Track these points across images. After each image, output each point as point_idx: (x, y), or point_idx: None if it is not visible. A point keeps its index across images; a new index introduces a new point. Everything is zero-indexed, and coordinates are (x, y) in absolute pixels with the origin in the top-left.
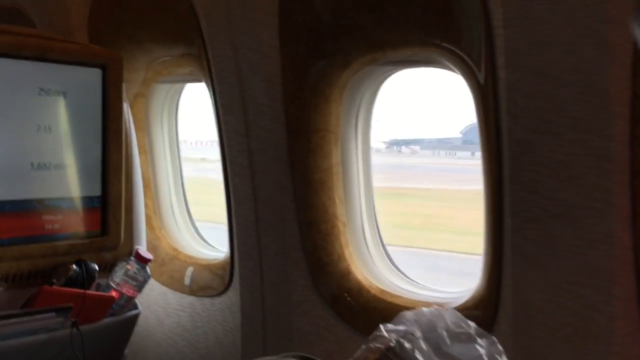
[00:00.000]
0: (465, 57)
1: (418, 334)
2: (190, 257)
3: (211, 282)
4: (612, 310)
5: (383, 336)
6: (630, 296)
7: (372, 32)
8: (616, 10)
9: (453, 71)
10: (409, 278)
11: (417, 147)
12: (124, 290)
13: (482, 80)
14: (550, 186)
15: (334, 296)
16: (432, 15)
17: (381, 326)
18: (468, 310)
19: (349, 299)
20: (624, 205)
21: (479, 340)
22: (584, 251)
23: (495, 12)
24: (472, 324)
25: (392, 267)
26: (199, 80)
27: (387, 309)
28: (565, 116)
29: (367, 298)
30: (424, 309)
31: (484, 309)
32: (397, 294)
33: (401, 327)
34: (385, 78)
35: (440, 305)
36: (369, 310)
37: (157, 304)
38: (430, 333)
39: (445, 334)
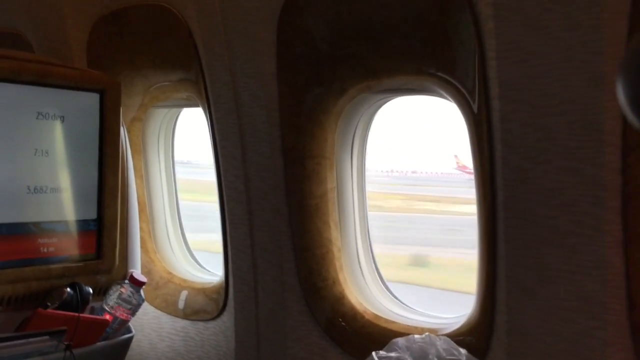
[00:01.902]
0: (460, 87)
1: None
2: (184, 280)
3: (205, 306)
4: (605, 336)
5: None
6: (622, 322)
7: (368, 61)
8: (608, 43)
9: (447, 100)
10: (403, 303)
11: None
12: (117, 314)
13: (476, 110)
14: (544, 213)
15: (328, 321)
16: (427, 45)
17: (373, 353)
18: (462, 336)
19: (343, 324)
20: (615, 232)
21: None
22: (576, 278)
23: (489, 44)
24: (463, 351)
25: (387, 292)
26: (196, 105)
27: (381, 334)
28: (558, 145)
29: (362, 323)
30: (416, 336)
31: (477, 336)
32: (392, 319)
33: (393, 354)
34: (380, 105)
35: (433, 331)
36: (363, 336)
37: (151, 328)
38: None
39: None
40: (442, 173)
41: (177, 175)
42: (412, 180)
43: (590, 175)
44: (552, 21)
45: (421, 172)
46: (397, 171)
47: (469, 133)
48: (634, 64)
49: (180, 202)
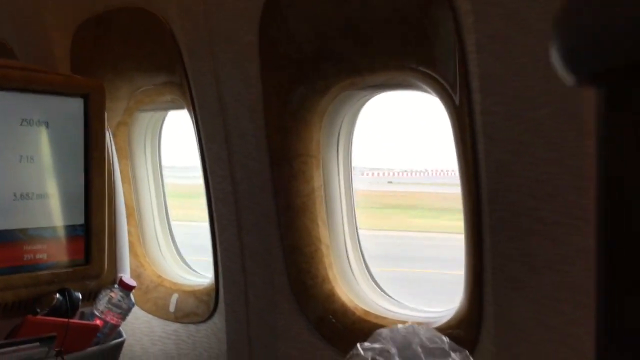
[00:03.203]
0: (441, 80)
1: (393, 350)
2: (175, 283)
3: (196, 308)
4: (592, 325)
5: (359, 355)
6: None
7: (351, 58)
8: None
9: (430, 94)
10: (392, 298)
11: None
12: (108, 319)
13: (457, 103)
14: (528, 205)
15: (319, 319)
16: (409, 40)
17: (358, 345)
18: (451, 329)
19: (334, 321)
20: None
21: (452, 354)
22: (563, 268)
23: (469, 38)
24: (445, 339)
25: (376, 288)
26: (181, 108)
27: (372, 330)
28: (540, 136)
29: (353, 320)
30: (399, 325)
31: (466, 328)
32: (382, 314)
33: (377, 345)
34: (365, 102)
35: (421, 324)
36: (354, 332)
37: (142, 332)
38: (405, 350)
39: (420, 350)
40: None
41: (168, 180)
42: None
43: (573, 166)
44: (530, 14)
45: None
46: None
47: (451, 127)
48: (566, 19)
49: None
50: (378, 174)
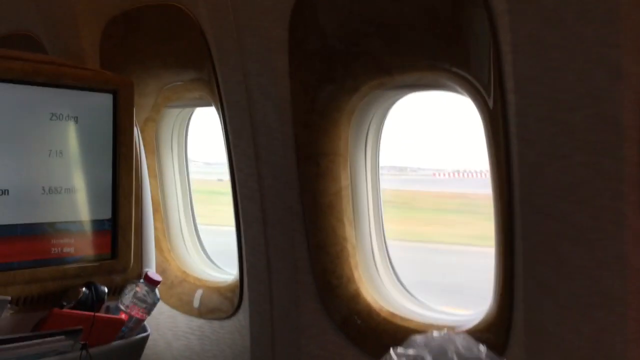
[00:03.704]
0: (474, 82)
1: (428, 358)
2: (199, 279)
3: (220, 304)
4: (625, 332)
5: None
6: None
7: (381, 58)
8: (625, 36)
9: (462, 94)
10: (419, 300)
11: None
12: (133, 313)
13: (491, 105)
14: (562, 209)
15: (343, 319)
16: (441, 40)
17: (391, 350)
18: (480, 333)
19: (358, 322)
20: (636, 227)
21: None
22: (596, 273)
23: (504, 37)
24: (482, 348)
25: (402, 289)
26: (208, 105)
27: (397, 332)
28: (576, 139)
29: (377, 321)
30: (435, 332)
31: (495, 332)
32: (408, 317)
33: (411, 352)
34: (394, 102)
35: (450, 328)
36: (379, 334)
37: (166, 327)
38: (441, 357)
39: (455, 358)
40: None
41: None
42: None
43: (609, 170)
44: (568, 14)
45: None
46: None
47: (484, 129)
48: None
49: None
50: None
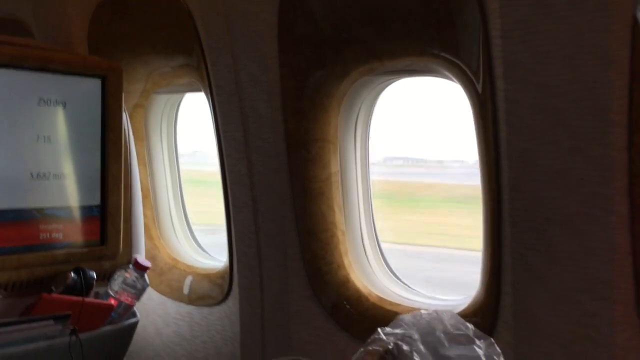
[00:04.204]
0: (464, 67)
1: (416, 336)
2: (189, 266)
3: (210, 291)
4: (611, 315)
5: (381, 339)
6: (629, 301)
7: (371, 43)
8: (614, 21)
9: (451, 80)
10: (407, 285)
11: None
12: (122, 298)
13: (480, 90)
14: (550, 195)
15: (333, 305)
16: (431, 25)
17: (379, 329)
18: (467, 317)
19: (348, 307)
20: (623, 212)
21: (477, 341)
22: (583, 258)
23: (494, 23)
24: (470, 326)
25: (391, 275)
26: (198, 90)
27: (386, 316)
28: (564, 125)
29: (366, 306)
30: (423, 311)
31: (483, 317)
32: (396, 301)
33: (399, 330)
34: (384, 87)
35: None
36: (368, 318)
37: (156, 314)
38: (429, 336)
39: (443, 336)
40: None
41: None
42: None
43: (597, 155)
44: (557, 0)
45: None
46: None
47: (473, 114)
48: None
49: None
50: None
